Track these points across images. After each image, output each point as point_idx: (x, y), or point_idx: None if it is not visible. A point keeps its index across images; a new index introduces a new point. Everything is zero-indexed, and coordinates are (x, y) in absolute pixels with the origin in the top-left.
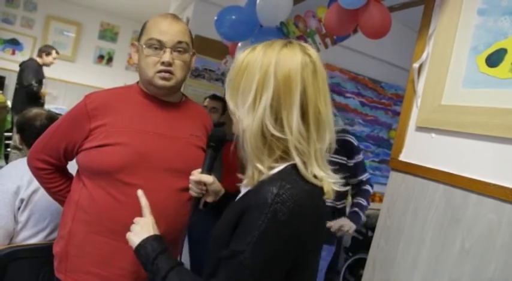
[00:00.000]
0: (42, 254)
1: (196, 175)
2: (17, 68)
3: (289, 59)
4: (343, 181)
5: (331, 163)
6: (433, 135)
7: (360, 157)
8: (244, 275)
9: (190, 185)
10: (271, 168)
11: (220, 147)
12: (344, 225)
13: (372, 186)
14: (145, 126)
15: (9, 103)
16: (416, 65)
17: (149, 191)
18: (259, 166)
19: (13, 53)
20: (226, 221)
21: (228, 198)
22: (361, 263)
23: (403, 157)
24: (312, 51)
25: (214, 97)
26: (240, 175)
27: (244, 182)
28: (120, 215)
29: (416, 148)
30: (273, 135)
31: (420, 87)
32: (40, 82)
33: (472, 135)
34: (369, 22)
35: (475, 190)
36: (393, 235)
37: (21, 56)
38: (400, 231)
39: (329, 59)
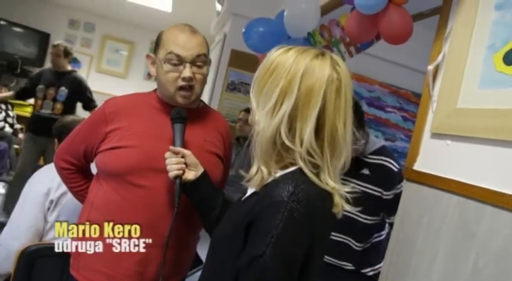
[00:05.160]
0: (67, 253)
1: (173, 148)
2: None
3: (316, 72)
4: (355, 194)
5: (363, 194)
6: (448, 142)
7: (399, 190)
8: (267, 278)
9: (168, 166)
10: (276, 173)
11: (185, 119)
12: None
13: None
14: (159, 131)
15: None
16: (430, 67)
17: (158, 194)
18: (263, 168)
19: None
20: (233, 221)
21: (206, 177)
22: None
23: (417, 166)
24: (342, 67)
25: (248, 110)
26: (242, 172)
27: (250, 182)
28: (129, 216)
29: (431, 156)
30: (282, 144)
31: (436, 91)
32: (43, 89)
33: (488, 140)
34: (389, 27)
35: (490, 202)
36: (406, 249)
37: (79, 73)
38: (412, 245)
39: (368, 73)
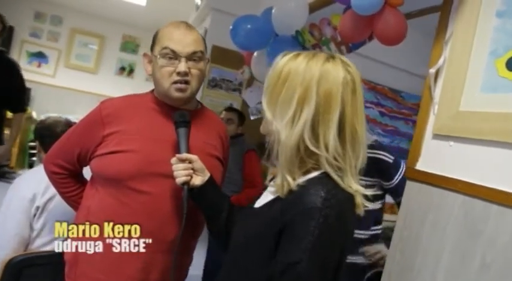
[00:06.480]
0: (56, 261)
1: (180, 156)
2: (43, 80)
3: (331, 76)
4: (374, 191)
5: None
6: (451, 143)
7: (400, 175)
8: None
9: (175, 173)
10: (299, 178)
11: (188, 123)
12: (381, 251)
13: None
14: (158, 134)
15: (34, 114)
16: (432, 71)
17: (159, 198)
18: (288, 177)
19: (39, 66)
20: (255, 227)
21: (213, 181)
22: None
23: (419, 166)
24: (353, 68)
25: (229, 109)
26: (268, 183)
27: (273, 189)
28: (130, 222)
29: (433, 156)
30: (306, 150)
31: (437, 93)
32: None
33: (492, 142)
34: (384, 28)
35: (497, 201)
36: (410, 247)
37: (47, 69)
38: (417, 244)
39: None
